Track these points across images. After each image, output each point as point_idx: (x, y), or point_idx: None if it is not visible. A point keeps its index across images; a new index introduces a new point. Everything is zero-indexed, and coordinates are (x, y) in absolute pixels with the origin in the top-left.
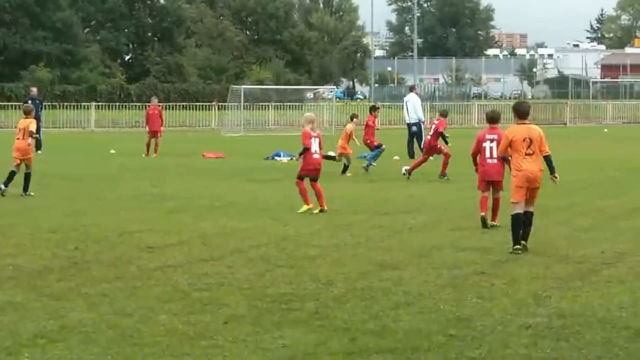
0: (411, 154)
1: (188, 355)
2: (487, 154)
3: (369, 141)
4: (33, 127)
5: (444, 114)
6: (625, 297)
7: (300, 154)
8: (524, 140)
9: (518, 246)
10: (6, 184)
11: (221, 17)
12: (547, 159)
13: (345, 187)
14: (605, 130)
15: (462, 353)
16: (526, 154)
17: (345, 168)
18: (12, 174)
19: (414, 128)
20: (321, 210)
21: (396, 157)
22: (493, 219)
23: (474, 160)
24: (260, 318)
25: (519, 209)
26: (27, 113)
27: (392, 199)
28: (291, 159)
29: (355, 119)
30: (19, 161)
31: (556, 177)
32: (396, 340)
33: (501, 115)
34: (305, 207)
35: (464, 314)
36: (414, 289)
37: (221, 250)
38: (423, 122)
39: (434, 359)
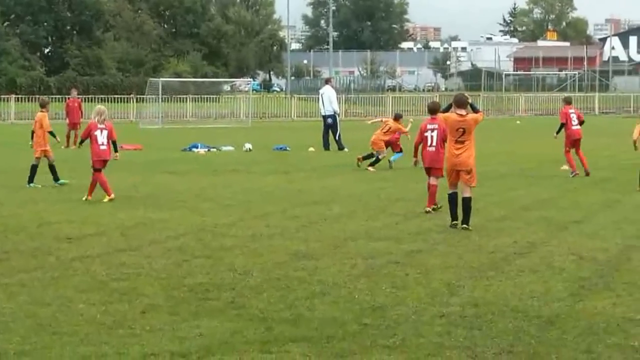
0: (326, 146)
1: (106, 344)
2: (428, 143)
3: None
4: None
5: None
6: (536, 286)
7: (81, 142)
8: (457, 129)
9: (454, 222)
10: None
11: (139, 11)
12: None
13: (261, 180)
14: (518, 122)
15: (376, 341)
16: (457, 141)
17: (375, 162)
18: None
19: (329, 120)
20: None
21: (311, 149)
22: (427, 205)
23: (416, 149)
24: (177, 307)
25: (452, 189)
26: None
27: (308, 191)
28: (209, 150)
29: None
30: None
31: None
32: (311, 329)
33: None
34: (107, 198)
35: (378, 303)
36: (329, 278)
37: (139, 241)
38: (338, 115)
39: (349, 347)
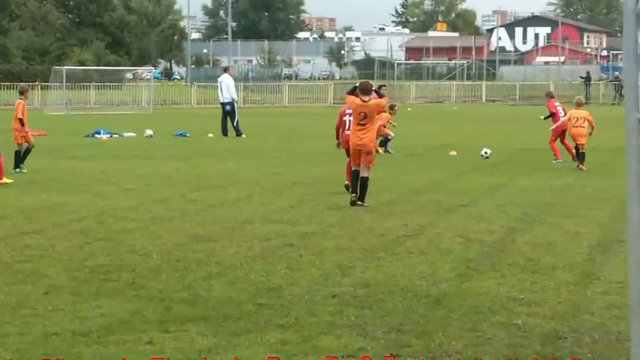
0: (224, 132)
1: (9, 324)
2: (346, 126)
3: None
4: None
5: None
6: (425, 267)
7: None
8: (359, 113)
9: (354, 194)
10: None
11: (44, 1)
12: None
13: (161, 164)
14: (409, 109)
15: (271, 321)
16: (359, 124)
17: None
18: None
19: (228, 107)
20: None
21: (210, 135)
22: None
23: (337, 132)
24: (79, 288)
25: (355, 167)
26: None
27: (207, 175)
28: (111, 136)
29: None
30: None
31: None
32: (208, 309)
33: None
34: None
35: (273, 284)
36: (226, 260)
37: (42, 224)
38: (236, 102)
39: (244, 326)
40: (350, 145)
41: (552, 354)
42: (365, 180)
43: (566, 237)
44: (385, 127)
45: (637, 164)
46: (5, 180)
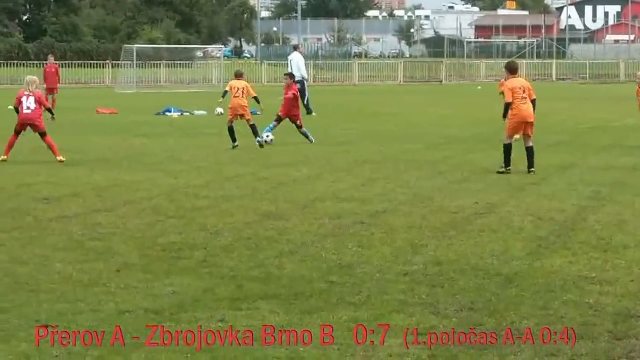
0: None
1: (81, 301)
2: None
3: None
4: None
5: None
6: (496, 245)
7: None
8: (519, 88)
9: (509, 168)
10: None
11: None
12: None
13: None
14: (479, 87)
15: (343, 299)
16: (522, 98)
17: None
18: None
19: (298, 85)
20: (60, 161)
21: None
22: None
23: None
24: (151, 266)
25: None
26: None
27: (277, 153)
28: (182, 114)
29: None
30: None
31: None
32: (280, 287)
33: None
34: (59, 158)
35: (344, 262)
36: (298, 238)
37: (114, 202)
38: (307, 80)
39: (316, 304)
40: (517, 118)
41: (625, 332)
42: (532, 149)
43: (638, 216)
44: None
45: None
46: (60, 157)
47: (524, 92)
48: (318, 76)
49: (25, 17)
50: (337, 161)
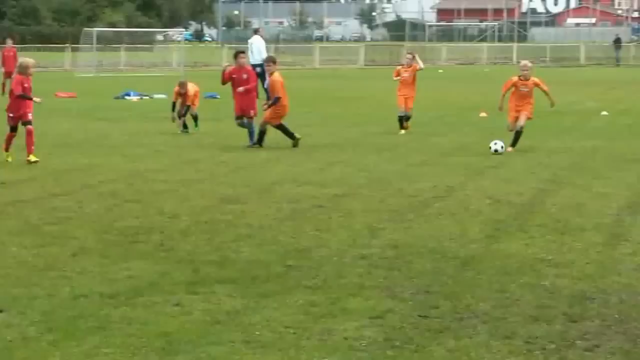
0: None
1: (37, 285)
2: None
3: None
4: None
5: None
6: (454, 228)
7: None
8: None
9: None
10: None
11: None
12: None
13: (191, 126)
14: (440, 71)
15: (300, 282)
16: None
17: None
18: None
19: (258, 69)
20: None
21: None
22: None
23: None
24: (107, 250)
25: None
26: None
27: (236, 136)
28: (141, 98)
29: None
30: None
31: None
32: (237, 271)
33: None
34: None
35: (302, 246)
36: (255, 221)
37: (72, 186)
38: None
39: (273, 287)
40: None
41: (580, 314)
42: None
43: (595, 199)
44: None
45: None
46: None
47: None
48: (279, 60)
49: None
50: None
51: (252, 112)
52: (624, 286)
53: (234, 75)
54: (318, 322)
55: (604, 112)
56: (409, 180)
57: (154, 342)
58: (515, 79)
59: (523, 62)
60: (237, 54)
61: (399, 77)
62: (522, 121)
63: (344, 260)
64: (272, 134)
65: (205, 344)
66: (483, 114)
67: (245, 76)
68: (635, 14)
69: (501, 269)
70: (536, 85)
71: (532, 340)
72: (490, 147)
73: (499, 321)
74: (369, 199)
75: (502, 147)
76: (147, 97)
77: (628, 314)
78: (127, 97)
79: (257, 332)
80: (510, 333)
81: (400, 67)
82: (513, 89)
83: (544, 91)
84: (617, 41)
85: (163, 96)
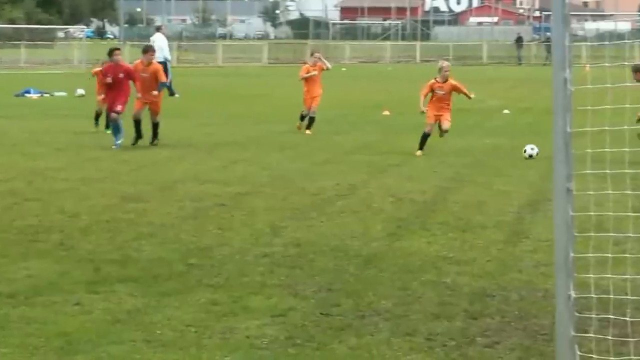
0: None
1: None
2: None
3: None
4: None
5: None
6: (356, 226)
7: None
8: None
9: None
10: None
11: None
12: None
13: (92, 124)
14: (344, 69)
15: (201, 281)
16: None
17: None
18: None
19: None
20: None
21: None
22: None
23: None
24: (6, 249)
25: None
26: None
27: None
28: (41, 95)
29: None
30: None
31: None
32: (138, 269)
33: None
34: None
35: (204, 244)
36: (157, 220)
37: None
38: (169, 61)
39: (174, 286)
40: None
41: (480, 311)
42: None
43: (496, 197)
44: None
45: (563, 123)
46: None
47: None
48: (182, 57)
49: None
50: (198, 143)
51: (119, 107)
52: (524, 283)
53: (108, 74)
54: (220, 320)
55: (506, 111)
56: (311, 178)
57: (53, 342)
58: (432, 81)
59: (445, 63)
60: (112, 50)
61: (309, 74)
62: (446, 126)
63: (246, 258)
64: (174, 132)
65: (105, 344)
66: (386, 112)
67: (121, 75)
68: (537, 13)
69: (403, 267)
70: (453, 89)
71: (433, 337)
72: (524, 151)
73: (400, 318)
74: (272, 197)
75: (537, 153)
76: (48, 95)
77: (528, 310)
78: (27, 95)
79: (158, 331)
80: (412, 330)
81: (308, 64)
82: (431, 93)
83: (464, 93)
84: (519, 40)
85: (64, 94)
